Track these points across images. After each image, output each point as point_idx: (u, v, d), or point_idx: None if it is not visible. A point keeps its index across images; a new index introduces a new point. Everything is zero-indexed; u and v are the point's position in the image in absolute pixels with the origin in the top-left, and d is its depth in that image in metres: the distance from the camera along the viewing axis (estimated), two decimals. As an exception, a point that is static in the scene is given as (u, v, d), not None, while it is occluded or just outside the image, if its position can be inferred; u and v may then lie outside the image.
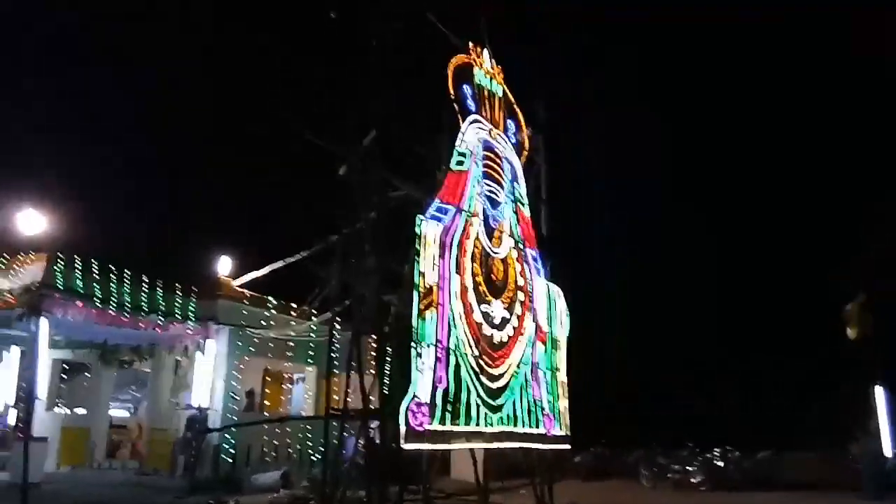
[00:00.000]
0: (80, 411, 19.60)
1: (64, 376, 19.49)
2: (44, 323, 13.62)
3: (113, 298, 14.71)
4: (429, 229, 8.20)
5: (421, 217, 8.22)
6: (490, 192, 9.61)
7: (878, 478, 15.70)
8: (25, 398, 13.99)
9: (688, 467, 19.00)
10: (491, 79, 10.43)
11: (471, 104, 9.72)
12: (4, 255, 14.83)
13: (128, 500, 12.95)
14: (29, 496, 10.76)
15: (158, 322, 16.00)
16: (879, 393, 19.49)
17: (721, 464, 18.77)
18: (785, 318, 27.85)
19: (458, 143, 9.23)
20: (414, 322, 7.71)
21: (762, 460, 18.99)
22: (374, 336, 8.57)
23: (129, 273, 15.14)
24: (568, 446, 10.28)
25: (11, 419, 16.52)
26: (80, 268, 14.35)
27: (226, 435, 16.27)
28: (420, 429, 7.41)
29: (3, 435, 16.80)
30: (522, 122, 11.05)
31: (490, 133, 9.96)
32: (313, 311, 16.08)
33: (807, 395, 23.91)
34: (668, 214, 36.13)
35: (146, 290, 15.47)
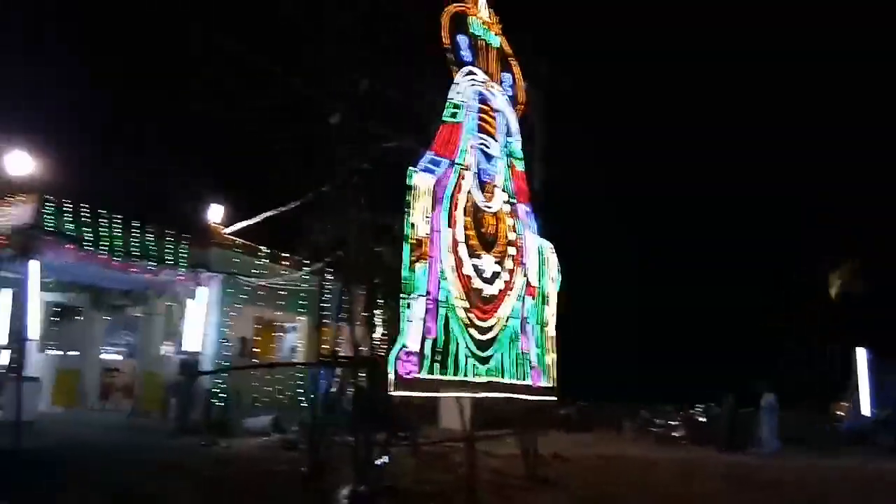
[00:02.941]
0: (73, 353, 19.77)
1: (55, 318, 19.57)
2: (34, 265, 13.60)
3: (104, 242, 14.69)
4: (421, 181, 8.15)
5: (413, 169, 8.17)
6: (483, 145, 9.50)
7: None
8: (17, 339, 14.07)
9: (670, 422, 19.46)
10: (487, 29, 10.19)
11: (466, 55, 9.51)
12: (-8, 195, 14.67)
13: (122, 440, 13.20)
14: (23, 433, 10.95)
15: (149, 268, 16.03)
16: (861, 354, 19.89)
17: (703, 419, 19.22)
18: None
19: (452, 94, 9.08)
20: (404, 274, 7.75)
21: (743, 416, 19.42)
22: (364, 287, 8.60)
23: (119, 217, 15.07)
24: (554, 398, 10.46)
25: (4, 360, 16.66)
26: (69, 211, 14.26)
27: (217, 380, 16.49)
28: (409, 377, 7.53)
29: (-2, 375, 16.96)
30: (519, 76, 10.81)
31: (485, 85, 9.78)
32: (304, 261, 16.11)
33: (794, 355, 24.36)
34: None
35: (137, 235, 15.42)
